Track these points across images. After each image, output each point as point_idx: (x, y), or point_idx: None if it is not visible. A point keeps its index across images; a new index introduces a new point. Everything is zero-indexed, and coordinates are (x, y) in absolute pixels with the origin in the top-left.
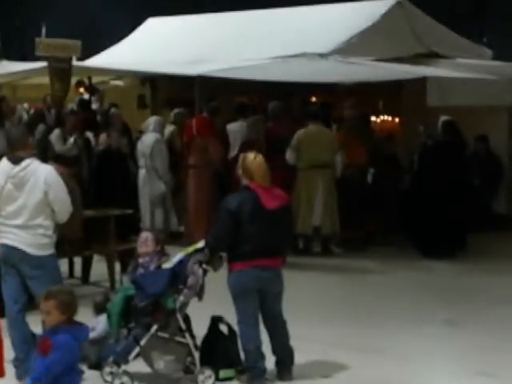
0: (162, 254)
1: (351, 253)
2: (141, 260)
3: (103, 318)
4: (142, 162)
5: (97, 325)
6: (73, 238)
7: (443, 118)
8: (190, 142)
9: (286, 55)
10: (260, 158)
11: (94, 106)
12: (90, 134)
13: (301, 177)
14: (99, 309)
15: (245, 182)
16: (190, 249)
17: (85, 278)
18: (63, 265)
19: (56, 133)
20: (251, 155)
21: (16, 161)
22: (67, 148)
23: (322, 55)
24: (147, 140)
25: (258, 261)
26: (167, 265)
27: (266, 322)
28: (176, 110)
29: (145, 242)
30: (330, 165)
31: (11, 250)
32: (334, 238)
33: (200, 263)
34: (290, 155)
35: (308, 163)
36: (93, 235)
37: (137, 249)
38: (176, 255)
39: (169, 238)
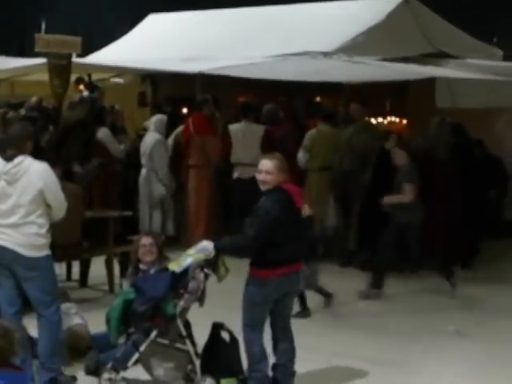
0: (163, 258)
1: None
2: (142, 267)
3: None
4: (143, 161)
5: None
6: (71, 242)
7: (438, 118)
8: (189, 141)
9: (288, 53)
10: (278, 155)
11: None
12: None
13: (312, 179)
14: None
15: (273, 181)
16: (201, 256)
17: (83, 281)
18: (61, 267)
19: (107, 132)
20: (273, 154)
21: (9, 158)
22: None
23: (325, 54)
24: (148, 140)
25: (284, 268)
26: (175, 267)
27: (275, 324)
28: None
29: (149, 249)
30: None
31: (3, 250)
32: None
33: (201, 267)
34: (302, 156)
35: (320, 165)
36: (91, 237)
37: (134, 252)
38: (186, 259)
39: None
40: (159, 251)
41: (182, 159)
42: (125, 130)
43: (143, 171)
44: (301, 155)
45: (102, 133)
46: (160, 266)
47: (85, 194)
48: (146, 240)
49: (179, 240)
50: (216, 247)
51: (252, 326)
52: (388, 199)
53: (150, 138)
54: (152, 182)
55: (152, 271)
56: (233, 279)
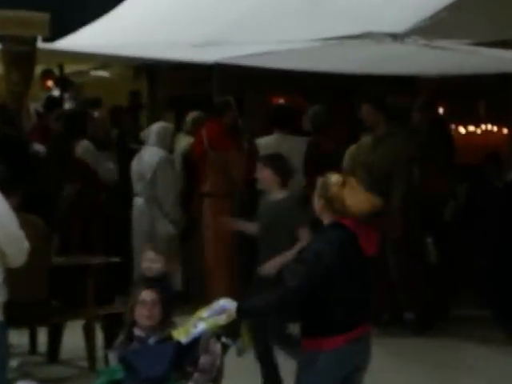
0: (168, 323)
1: None
2: (139, 333)
3: None
4: (138, 187)
5: None
6: (35, 300)
7: None
8: (202, 159)
9: (342, 36)
10: (352, 180)
11: (68, 105)
12: None
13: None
14: None
15: (328, 216)
16: (218, 321)
17: (52, 353)
18: (23, 336)
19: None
20: (337, 177)
21: None
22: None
23: (395, 36)
24: (147, 158)
25: (355, 332)
26: (182, 336)
27: None
28: (194, 114)
29: (151, 309)
30: None
31: None
32: None
33: (218, 336)
34: None
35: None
36: (64, 294)
37: (129, 311)
38: (196, 324)
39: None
40: (164, 312)
41: (193, 185)
42: (110, 143)
43: (139, 201)
44: None
45: (83, 148)
46: (163, 333)
47: (55, 233)
48: (146, 295)
49: (189, 297)
50: (240, 308)
51: None
52: None
53: (151, 156)
54: (154, 217)
55: (151, 341)
56: None
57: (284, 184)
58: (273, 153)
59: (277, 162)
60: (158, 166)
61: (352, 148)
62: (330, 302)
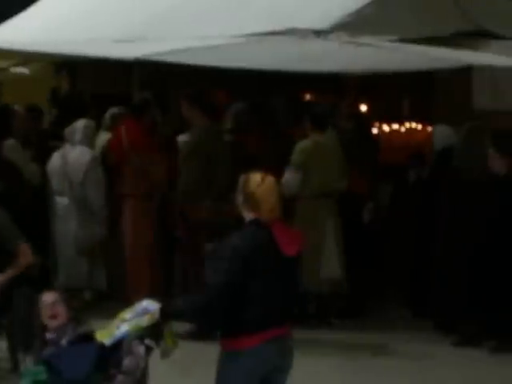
0: (77, 322)
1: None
2: (50, 336)
3: None
4: (61, 187)
5: None
6: None
7: (469, 124)
8: (122, 160)
9: (264, 32)
10: (270, 180)
11: None
12: None
13: (304, 210)
14: None
15: (248, 215)
16: (141, 322)
17: None
18: None
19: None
20: (257, 176)
21: None
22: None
23: (318, 32)
24: (75, 158)
25: (272, 331)
26: (105, 338)
27: None
28: (113, 110)
29: (53, 308)
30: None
31: None
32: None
33: (141, 338)
34: (294, 178)
35: (317, 190)
36: None
37: (36, 317)
38: (119, 326)
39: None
40: (68, 311)
41: (111, 185)
42: (30, 140)
43: (63, 201)
44: (291, 176)
45: (9, 146)
46: (74, 332)
47: None
48: (46, 296)
49: (113, 297)
50: (164, 310)
51: None
52: None
53: (80, 156)
54: (80, 217)
55: (64, 341)
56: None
57: None
58: None
59: None
60: (89, 167)
61: (306, 144)
62: (245, 300)
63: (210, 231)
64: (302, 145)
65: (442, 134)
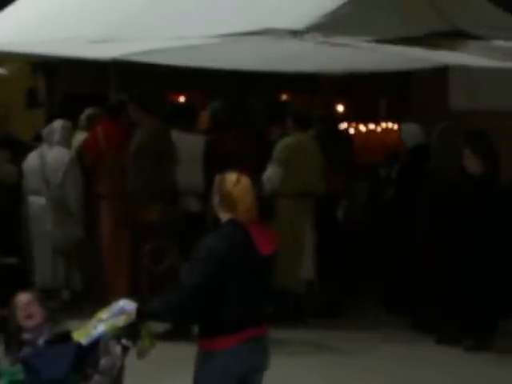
0: (53, 322)
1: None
2: (26, 336)
3: None
4: (37, 187)
5: None
6: None
7: (444, 124)
8: (99, 160)
9: (241, 32)
10: (245, 180)
11: None
12: None
13: (284, 208)
14: None
15: (224, 215)
16: (118, 322)
17: None
18: None
19: None
20: (233, 176)
21: None
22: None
23: (295, 33)
24: (53, 157)
25: (248, 331)
26: (82, 338)
27: None
28: (89, 111)
29: (27, 309)
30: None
31: None
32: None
33: (118, 338)
34: (275, 174)
35: (299, 188)
36: None
37: (11, 317)
38: (96, 326)
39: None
40: (44, 311)
41: (88, 185)
42: (14, 141)
43: (39, 201)
44: (273, 172)
45: None
46: (50, 332)
47: None
48: (21, 297)
49: (89, 298)
50: (140, 310)
51: None
52: None
53: (59, 156)
54: (57, 218)
55: (41, 341)
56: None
57: None
58: None
59: None
60: (67, 167)
61: (288, 142)
62: (221, 300)
63: (157, 233)
64: (286, 142)
65: (410, 131)
